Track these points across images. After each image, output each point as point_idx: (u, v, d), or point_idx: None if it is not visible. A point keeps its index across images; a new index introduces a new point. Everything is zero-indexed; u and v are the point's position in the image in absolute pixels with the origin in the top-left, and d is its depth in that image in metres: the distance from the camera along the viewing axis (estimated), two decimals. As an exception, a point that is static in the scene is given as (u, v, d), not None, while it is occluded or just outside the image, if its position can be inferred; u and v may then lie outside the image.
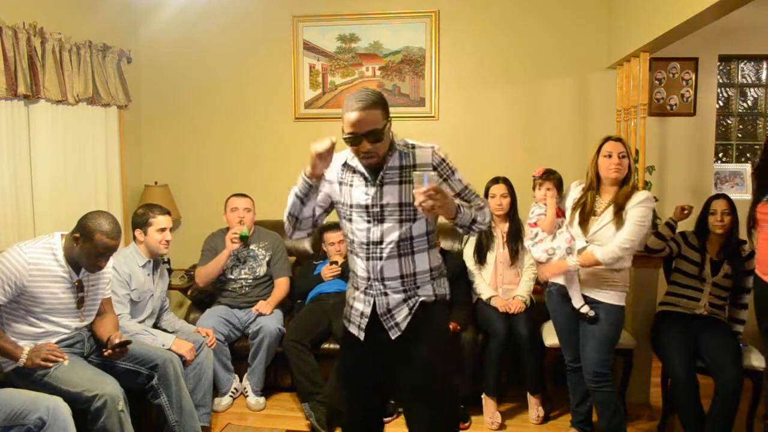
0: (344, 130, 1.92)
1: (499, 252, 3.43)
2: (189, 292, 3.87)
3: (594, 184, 2.75)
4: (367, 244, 2.02)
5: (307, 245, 4.04)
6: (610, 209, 2.66)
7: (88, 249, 2.49)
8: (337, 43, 4.20)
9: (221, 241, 3.63)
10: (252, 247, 3.64)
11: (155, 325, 3.20)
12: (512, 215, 3.44)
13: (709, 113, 4.18)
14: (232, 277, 3.62)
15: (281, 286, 3.66)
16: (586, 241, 2.72)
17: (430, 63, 4.11)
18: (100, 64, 3.72)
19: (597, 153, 2.73)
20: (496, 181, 3.44)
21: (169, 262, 4.11)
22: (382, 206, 1.99)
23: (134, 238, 3.13)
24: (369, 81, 4.19)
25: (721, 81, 4.34)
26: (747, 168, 4.35)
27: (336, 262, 3.64)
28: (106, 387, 2.44)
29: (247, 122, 4.34)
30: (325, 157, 1.93)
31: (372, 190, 2.00)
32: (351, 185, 2.04)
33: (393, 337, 2.05)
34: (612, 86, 3.89)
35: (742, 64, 4.40)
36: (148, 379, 2.72)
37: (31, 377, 2.43)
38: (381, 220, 2.00)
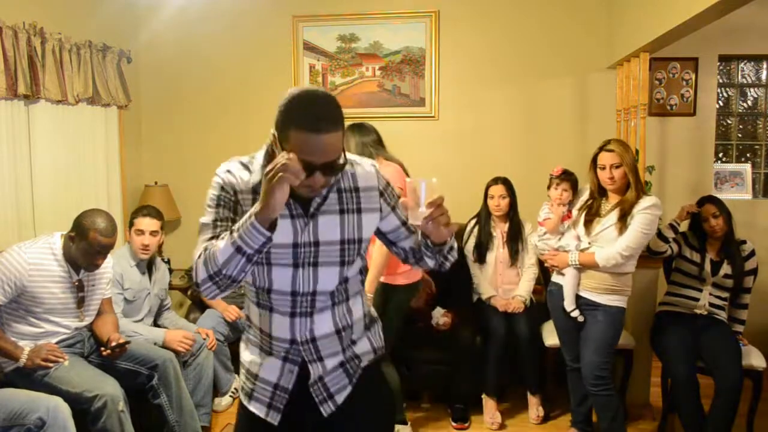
0: (288, 150, 1.32)
1: (499, 252, 3.43)
2: (189, 292, 3.88)
3: (596, 193, 2.75)
4: (293, 294, 1.48)
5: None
6: (615, 212, 2.66)
7: (83, 247, 2.50)
8: (337, 43, 4.20)
9: None
10: None
11: (156, 324, 3.21)
12: (512, 216, 3.44)
13: (709, 113, 4.18)
14: None
15: None
16: (589, 242, 2.73)
17: (430, 63, 4.11)
18: (100, 64, 3.72)
19: (593, 163, 2.72)
20: (495, 181, 3.43)
21: (169, 262, 4.11)
22: (316, 244, 1.46)
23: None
24: (369, 81, 4.19)
25: (721, 81, 4.33)
26: (747, 168, 4.35)
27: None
28: (107, 387, 2.44)
29: (247, 122, 4.34)
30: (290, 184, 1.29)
31: (301, 223, 1.45)
32: None
33: (326, 414, 1.53)
34: (612, 86, 3.88)
35: (742, 64, 4.40)
36: (148, 379, 2.71)
37: (31, 377, 2.43)
38: (314, 263, 1.47)
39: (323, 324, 1.52)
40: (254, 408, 1.56)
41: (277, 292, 1.49)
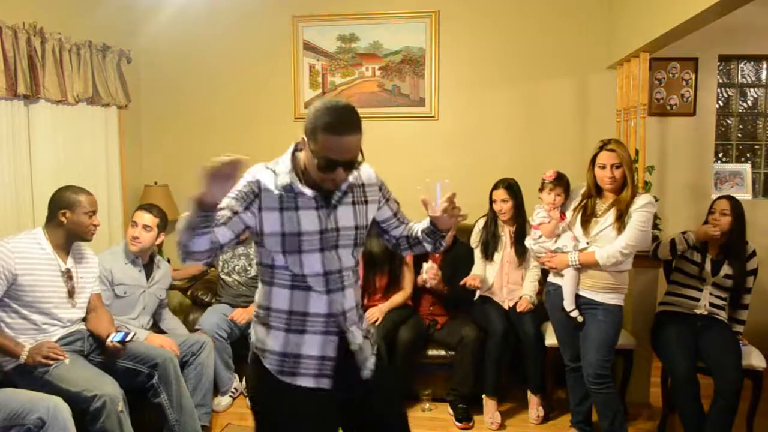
0: (317, 152, 1.59)
1: (506, 251, 3.42)
2: (189, 293, 3.88)
3: (592, 192, 2.75)
4: (325, 274, 1.73)
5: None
6: (612, 212, 2.67)
7: (79, 215, 2.62)
8: (337, 43, 4.20)
9: None
10: (242, 249, 3.65)
11: (155, 324, 3.23)
12: (518, 217, 3.42)
13: (709, 113, 4.18)
14: (226, 277, 3.63)
15: None
16: (588, 243, 2.73)
17: (430, 63, 4.11)
18: (100, 64, 3.72)
19: (592, 162, 2.72)
20: (497, 185, 3.42)
21: (169, 261, 4.10)
22: (337, 230, 1.73)
23: None
24: (369, 81, 4.19)
25: (721, 81, 4.33)
26: (747, 168, 4.35)
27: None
28: (106, 387, 2.44)
29: (247, 122, 4.34)
30: (227, 178, 1.50)
31: (324, 213, 1.71)
32: (297, 209, 1.69)
33: (366, 376, 1.81)
34: (612, 86, 3.88)
35: (742, 64, 4.40)
36: (148, 378, 2.72)
37: (31, 375, 2.43)
38: (335, 246, 1.74)
39: (350, 298, 1.79)
40: (302, 382, 1.75)
41: (312, 275, 1.72)
